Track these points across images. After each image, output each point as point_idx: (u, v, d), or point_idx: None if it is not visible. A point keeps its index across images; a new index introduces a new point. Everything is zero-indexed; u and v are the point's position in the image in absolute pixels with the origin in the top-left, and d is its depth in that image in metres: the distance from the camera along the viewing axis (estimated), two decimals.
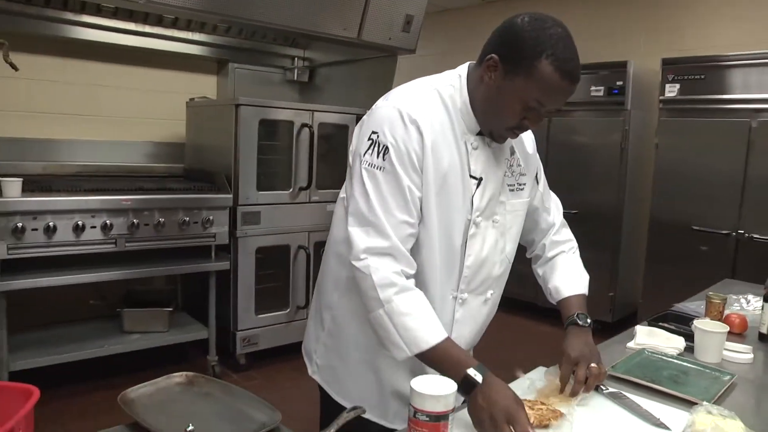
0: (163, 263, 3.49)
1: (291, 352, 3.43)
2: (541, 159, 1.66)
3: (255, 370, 3.90)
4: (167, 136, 4.33)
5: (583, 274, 1.68)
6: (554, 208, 1.74)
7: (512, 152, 1.53)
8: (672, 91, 4.47)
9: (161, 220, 3.37)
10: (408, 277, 1.33)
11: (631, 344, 1.91)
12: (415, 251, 1.38)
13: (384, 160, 1.32)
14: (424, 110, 1.34)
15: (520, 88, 1.27)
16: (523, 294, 4.30)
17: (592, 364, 1.44)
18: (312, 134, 3.87)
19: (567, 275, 1.66)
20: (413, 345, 1.28)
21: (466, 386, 1.23)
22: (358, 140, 1.39)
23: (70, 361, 3.28)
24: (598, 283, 5.27)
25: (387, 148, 1.31)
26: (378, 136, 1.33)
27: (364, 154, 1.34)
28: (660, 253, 4.58)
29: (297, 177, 3.87)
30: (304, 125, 3.85)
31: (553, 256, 1.70)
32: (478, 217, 1.41)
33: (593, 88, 4.88)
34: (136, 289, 3.91)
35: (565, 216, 1.78)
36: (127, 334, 3.59)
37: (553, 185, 1.81)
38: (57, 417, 3.17)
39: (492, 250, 1.49)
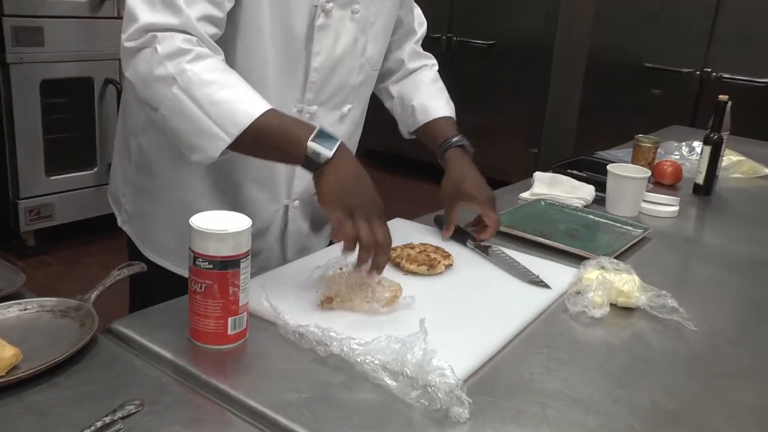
0: None
1: (104, 228, 3.34)
2: None
3: (51, 254, 3.84)
4: None
5: (451, 102, 1.75)
6: (418, 12, 1.79)
7: None
8: None
9: None
10: None
11: (525, 194, 1.98)
12: (239, 42, 1.37)
13: None
14: None
15: None
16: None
17: (489, 212, 1.56)
18: None
19: (435, 94, 1.72)
20: (229, 123, 1.23)
21: (311, 162, 1.24)
22: None
23: None
24: (517, 138, 5.46)
25: None
26: None
27: None
28: (600, 98, 4.73)
29: None
30: None
31: (415, 70, 1.75)
32: (328, 2, 1.40)
33: None
34: None
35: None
36: None
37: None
38: None
39: (349, 50, 1.49)
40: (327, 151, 1.22)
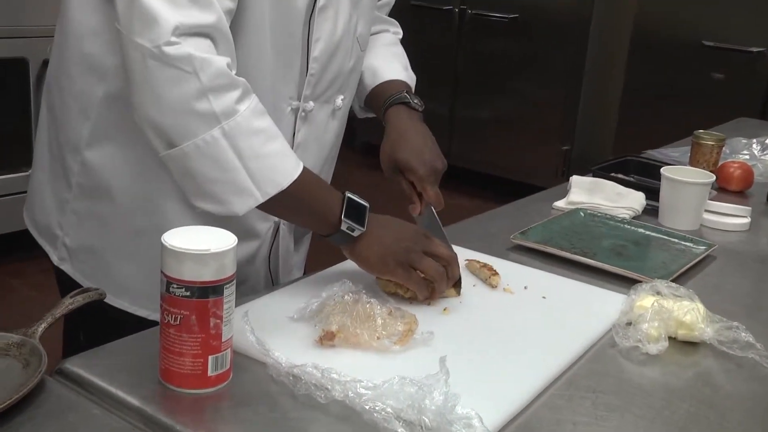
0: None
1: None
2: None
3: None
4: None
5: (411, 71, 1.81)
6: None
7: None
8: None
9: None
10: None
11: (560, 203, 2.00)
12: (238, 34, 1.36)
13: None
14: None
15: None
16: None
17: (427, 187, 1.58)
18: None
19: (390, 57, 1.79)
20: (268, 182, 1.29)
21: (344, 236, 1.36)
22: None
23: None
24: (545, 132, 5.42)
25: None
26: None
27: None
28: (648, 84, 4.73)
29: None
30: None
31: (374, 33, 1.79)
32: None
33: None
34: None
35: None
36: None
37: None
38: None
39: (346, 30, 1.54)
40: (361, 226, 1.35)
